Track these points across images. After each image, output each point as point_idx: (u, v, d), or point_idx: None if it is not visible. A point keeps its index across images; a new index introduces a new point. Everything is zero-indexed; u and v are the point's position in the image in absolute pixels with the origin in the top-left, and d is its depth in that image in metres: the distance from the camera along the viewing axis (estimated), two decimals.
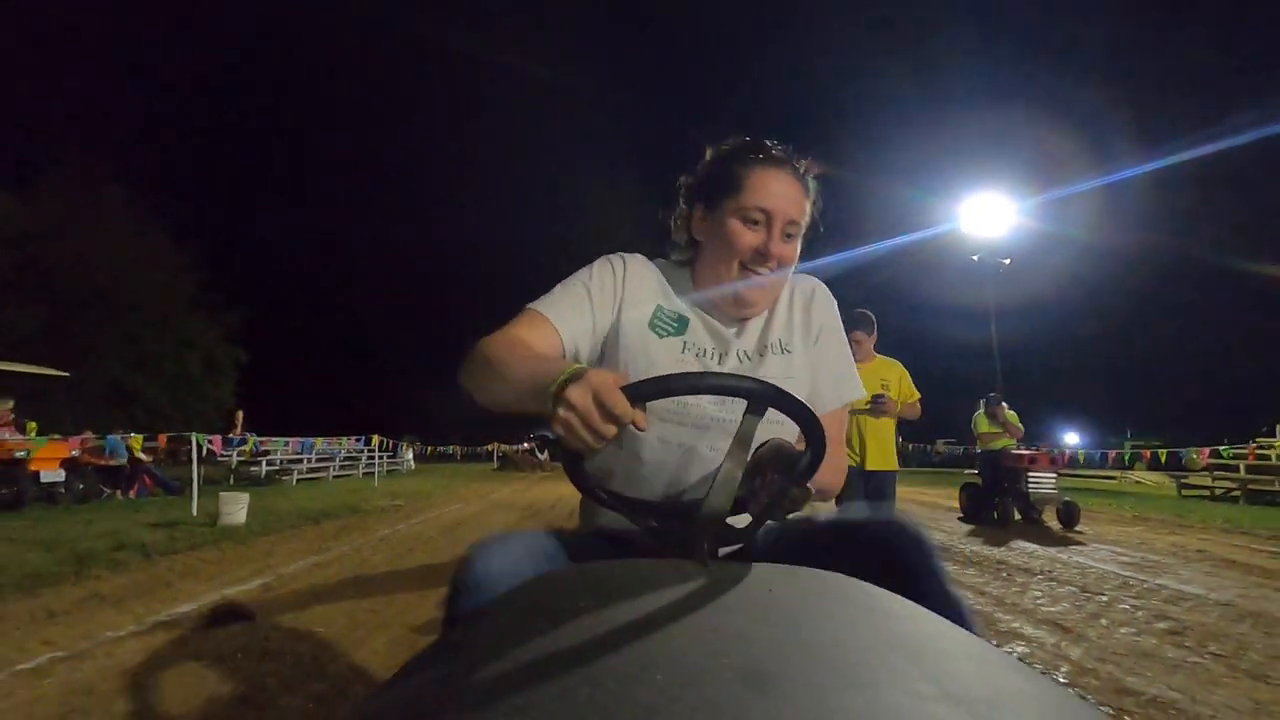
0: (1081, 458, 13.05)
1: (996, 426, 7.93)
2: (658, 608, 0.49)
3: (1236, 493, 10.71)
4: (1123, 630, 3.30)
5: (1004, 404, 8.18)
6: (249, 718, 2.19)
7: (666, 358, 1.05)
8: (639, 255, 1.15)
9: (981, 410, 8.19)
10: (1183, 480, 12.25)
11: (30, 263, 27.11)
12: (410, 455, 21.22)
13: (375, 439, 12.64)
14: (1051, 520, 7.38)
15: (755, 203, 1.01)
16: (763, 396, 0.72)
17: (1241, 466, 11.32)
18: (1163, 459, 11.39)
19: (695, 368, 1.04)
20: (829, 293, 1.17)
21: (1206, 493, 11.79)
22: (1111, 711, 2.32)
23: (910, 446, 19.48)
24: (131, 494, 9.66)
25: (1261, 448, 10.13)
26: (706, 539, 0.70)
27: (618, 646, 0.42)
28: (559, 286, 1.08)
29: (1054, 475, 7.21)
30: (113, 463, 9.68)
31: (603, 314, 1.07)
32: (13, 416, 8.73)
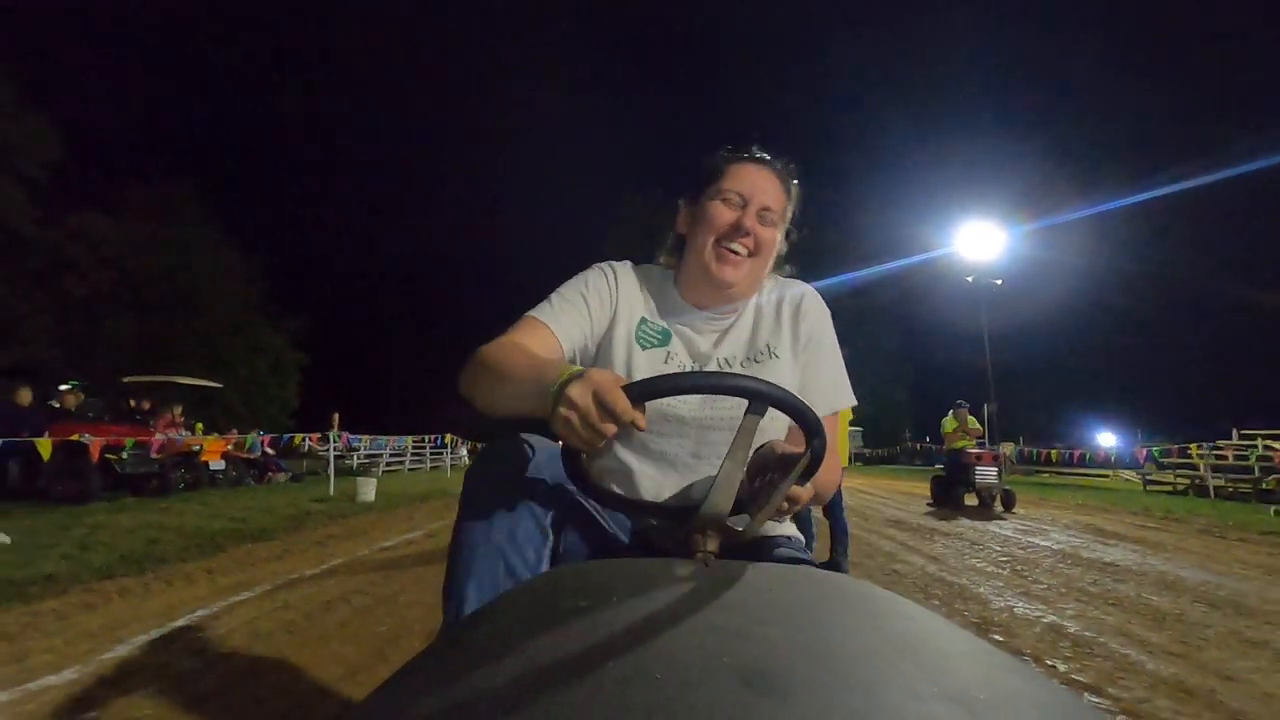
0: (1055, 457, 14.74)
1: (957, 425, 9.86)
2: (657, 607, 0.49)
3: (1187, 488, 12.39)
4: (973, 560, 5.29)
5: (967, 411, 10.12)
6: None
7: (648, 369, 1.07)
8: (627, 263, 1.19)
9: (950, 416, 10.15)
10: (1147, 477, 13.90)
11: (124, 278, 30.28)
12: (465, 451, 23.65)
13: (448, 437, 14.98)
14: (999, 504, 9.27)
15: (733, 186, 1.06)
16: (764, 396, 0.72)
17: (1202, 465, 12.97)
18: (1112, 458, 13.10)
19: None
20: (819, 298, 1.17)
21: (1170, 488, 13.43)
22: (939, 604, 4.33)
23: (918, 446, 21.27)
24: (267, 481, 12.10)
25: (1184, 449, 11.79)
26: (705, 538, 0.70)
27: (617, 646, 0.42)
28: (555, 294, 1.10)
29: (996, 469, 9.09)
30: (250, 456, 12.14)
31: (598, 322, 1.10)
32: (182, 419, 11.22)
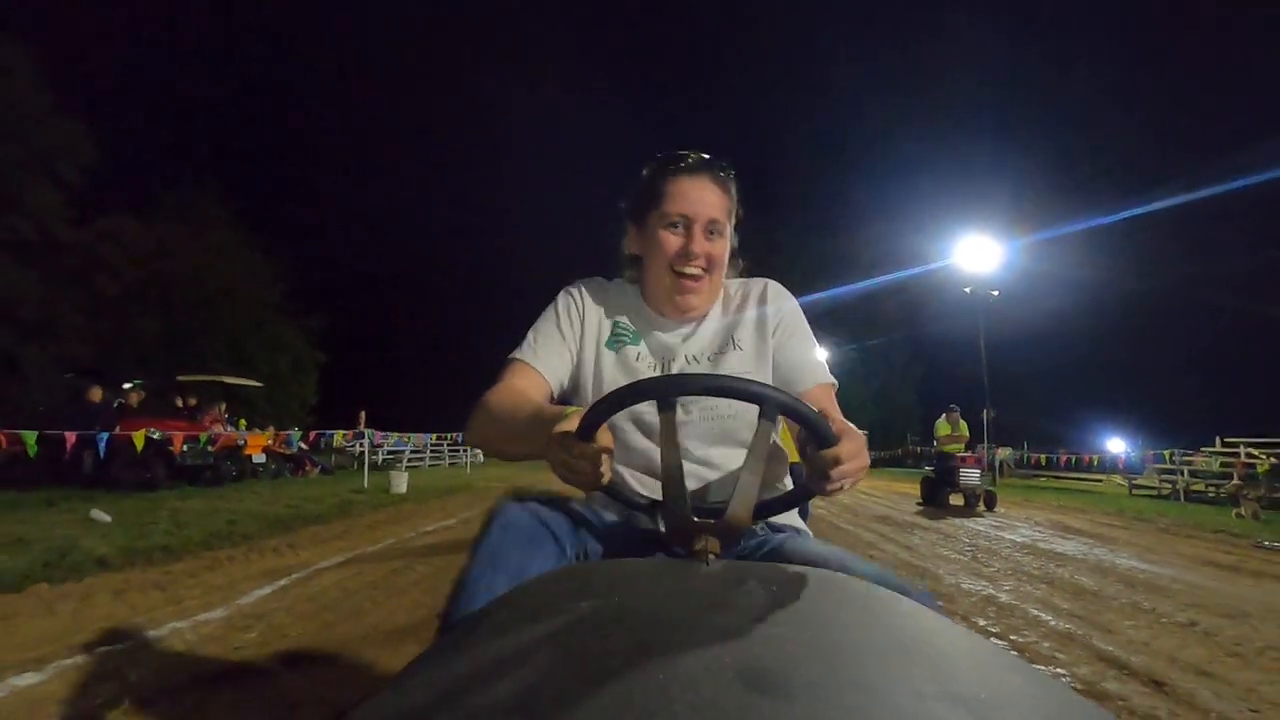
0: (1043, 461, 15.42)
1: (951, 430, 10.60)
2: (658, 607, 0.50)
3: (1170, 493, 13.06)
4: (941, 550, 6.04)
5: (959, 416, 10.86)
6: None
7: (619, 371, 1.14)
8: (596, 278, 1.24)
9: (943, 419, 10.89)
10: (1134, 481, 14.55)
11: (152, 278, 31.35)
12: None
13: None
14: (982, 504, 10.00)
15: (674, 209, 1.08)
16: (682, 387, 0.75)
17: (1185, 471, 13.63)
18: (1094, 462, 13.78)
19: (646, 375, 1.08)
20: (781, 287, 1.22)
21: (1154, 492, 14.07)
22: (928, 592, 5.11)
23: (920, 450, 21.96)
24: (301, 473, 12.98)
25: (1157, 454, 12.45)
26: (706, 538, 0.70)
27: (618, 646, 0.42)
28: (531, 331, 1.17)
29: (978, 471, 9.81)
30: (288, 451, 13.02)
31: (573, 342, 1.17)
32: (225, 415, 12.11)
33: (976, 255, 17.25)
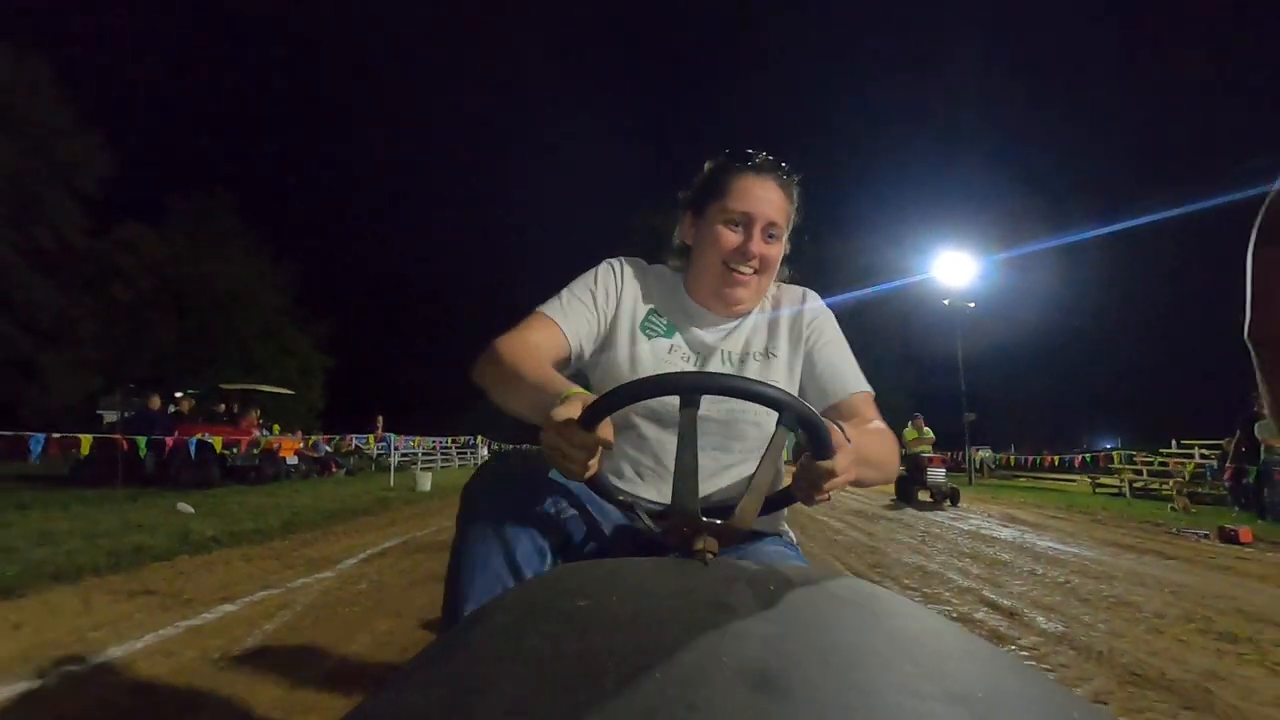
0: (1013, 461, 16.57)
1: (918, 434, 11.75)
2: (657, 607, 0.50)
3: (1124, 490, 14.21)
4: (897, 535, 7.14)
5: (923, 422, 12.01)
6: None
7: (653, 359, 1.13)
8: (638, 259, 1.24)
9: (910, 426, 12.04)
10: (1096, 480, 15.69)
11: (166, 285, 32.39)
12: (487, 451, 25.65)
13: (480, 438, 16.94)
14: (947, 500, 11.13)
15: (737, 206, 1.09)
16: (697, 388, 0.73)
17: (1145, 470, 14.79)
18: (1057, 462, 14.98)
19: (680, 369, 1.11)
20: (817, 297, 1.23)
21: (1114, 489, 15.19)
22: (854, 557, 6.19)
23: (904, 452, 23.18)
24: (328, 474, 14.06)
25: (1108, 455, 13.60)
26: (705, 538, 0.70)
27: (617, 646, 0.43)
28: (566, 290, 1.15)
29: (944, 470, 10.94)
30: (315, 454, 14.10)
31: (604, 314, 1.15)
32: (260, 421, 13.18)
33: (954, 269, 18.43)
